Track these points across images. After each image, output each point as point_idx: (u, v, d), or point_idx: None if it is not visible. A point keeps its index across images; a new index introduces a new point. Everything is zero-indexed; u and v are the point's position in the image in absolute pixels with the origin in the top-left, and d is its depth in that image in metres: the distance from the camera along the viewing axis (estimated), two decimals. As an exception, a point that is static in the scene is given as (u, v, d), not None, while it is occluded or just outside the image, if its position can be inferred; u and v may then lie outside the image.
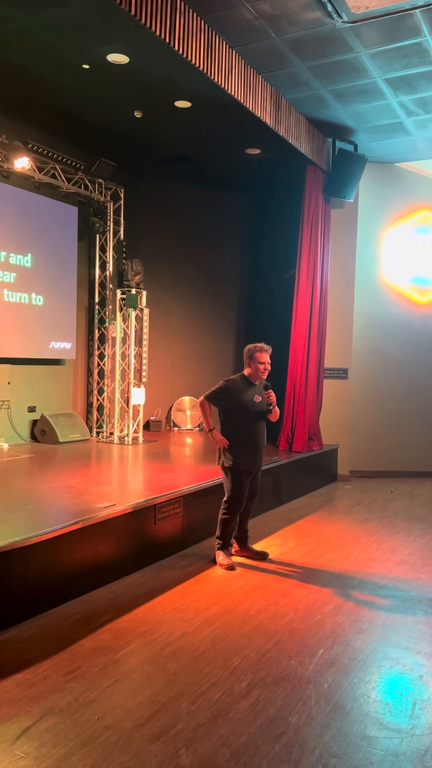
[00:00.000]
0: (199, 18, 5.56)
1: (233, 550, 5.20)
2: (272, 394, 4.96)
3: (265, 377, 5.00)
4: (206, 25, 5.66)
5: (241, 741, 2.69)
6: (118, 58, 6.02)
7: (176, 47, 5.35)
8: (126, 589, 4.42)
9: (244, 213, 10.44)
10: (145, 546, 4.95)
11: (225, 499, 5.03)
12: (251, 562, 5.11)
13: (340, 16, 5.47)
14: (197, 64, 5.61)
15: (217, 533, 5.08)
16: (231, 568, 4.89)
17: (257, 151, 8.43)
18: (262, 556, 5.20)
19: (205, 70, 5.73)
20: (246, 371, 5.01)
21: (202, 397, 5.01)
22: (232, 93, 6.14)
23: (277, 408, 5.02)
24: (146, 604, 4.16)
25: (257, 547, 5.40)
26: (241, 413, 4.93)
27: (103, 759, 2.55)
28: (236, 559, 5.13)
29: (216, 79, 5.87)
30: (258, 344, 5.00)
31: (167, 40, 5.25)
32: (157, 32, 5.13)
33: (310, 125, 7.84)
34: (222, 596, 4.35)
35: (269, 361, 4.98)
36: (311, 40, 5.87)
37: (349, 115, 7.54)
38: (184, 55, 5.45)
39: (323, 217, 8.48)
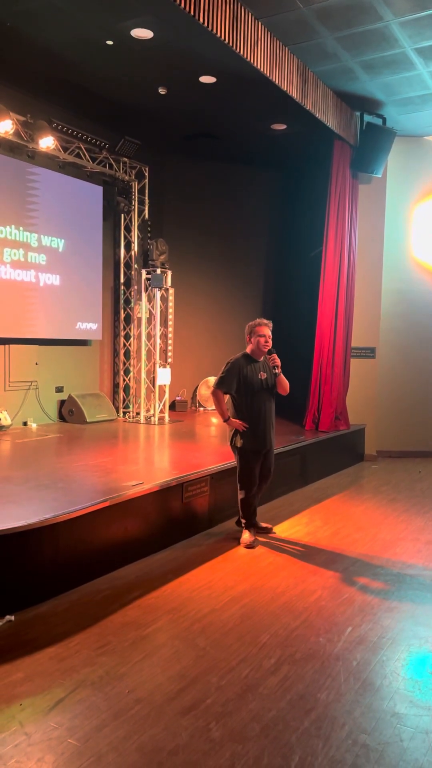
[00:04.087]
0: (224, -11, 5.45)
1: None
2: (276, 357, 4.87)
3: (266, 349, 4.90)
4: (231, -3, 5.55)
5: (271, 716, 2.71)
6: (142, 33, 5.94)
7: (201, 20, 5.25)
8: (154, 566, 4.46)
9: (269, 190, 10.31)
10: (173, 524, 4.98)
11: (238, 479, 5.04)
12: (277, 542, 5.11)
13: (369, -17, 5.31)
14: (222, 37, 5.50)
15: (240, 514, 5.13)
16: (250, 546, 4.91)
17: (283, 127, 8.29)
18: (265, 530, 5.25)
19: (231, 44, 5.62)
20: (248, 348, 4.99)
21: (213, 387, 5.00)
22: (258, 66, 6.02)
23: (284, 377, 4.93)
24: (174, 581, 4.20)
25: (284, 525, 5.41)
26: (246, 391, 4.90)
27: (134, 731, 2.59)
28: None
29: (241, 53, 5.76)
30: (257, 320, 4.99)
31: (192, 13, 5.15)
32: (182, 5, 5.04)
33: (337, 99, 7.67)
34: (249, 574, 4.37)
35: (270, 335, 4.94)
36: (340, 9, 5.71)
37: (378, 87, 7.36)
38: (209, 28, 5.35)
39: (351, 192, 8.33)
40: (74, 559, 4.05)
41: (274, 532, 5.30)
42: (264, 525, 5.32)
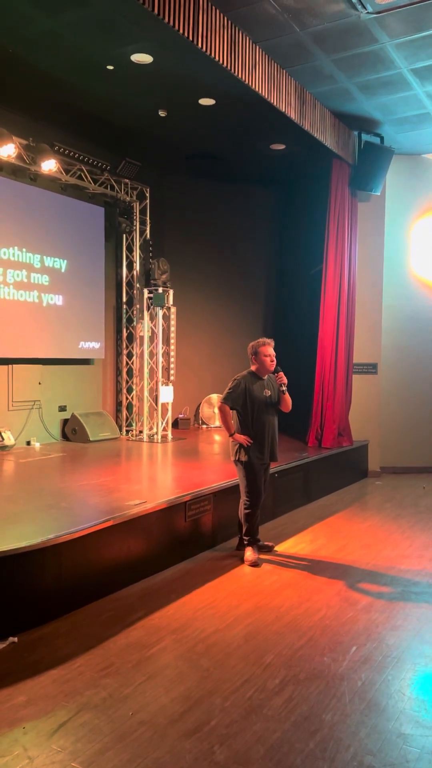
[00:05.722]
0: (222, 14, 5.55)
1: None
2: (283, 375, 5.03)
3: (273, 369, 5.06)
4: (229, 22, 5.65)
5: (275, 738, 2.69)
6: (141, 57, 6.05)
7: (200, 45, 5.34)
8: (158, 586, 4.45)
9: (269, 209, 10.40)
10: (176, 543, 4.97)
11: (244, 494, 5.05)
12: (281, 560, 5.09)
13: (364, 7, 5.40)
14: (221, 61, 5.59)
15: (243, 530, 5.11)
16: (255, 564, 4.90)
17: (282, 147, 8.39)
18: (266, 547, 5.23)
19: (229, 67, 5.71)
20: (253, 367, 5.09)
21: (220, 402, 5.08)
22: (257, 89, 6.11)
23: (288, 395, 5.07)
24: (178, 601, 4.18)
25: (288, 543, 5.39)
26: (253, 408, 4.98)
27: (138, 754, 2.57)
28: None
29: (240, 76, 5.85)
30: (260, 339, 5.11)
31: (190, 38, 5.24)
32: (181, 30, 5.13)
33: (335, 119, 7.77)
34: (253, 593, 4.35)
35: (274, 354, 5.08)
36: (335, 32, 5.81)
37: (375, 107, 7.45)
38: (208, 53, 5.44)
39: (350, 210, 8.40)
40: (77, 579, 4.04)
41: (276, 551, 5.28)
42: (266, 543, 5.30)
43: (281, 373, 5.03)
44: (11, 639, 3.52)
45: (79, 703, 2.95)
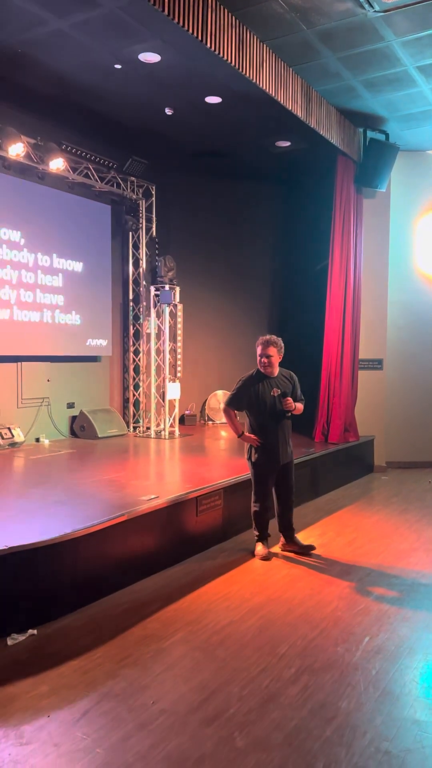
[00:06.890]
0: (230, 14, 5.59)
1: (280, 545, 5.23)
2: (288, 400, 4.89)
3: (269, 370, 4.92)
4: (237, 21, 5.69)
5: (293, 725, 2.76)
6: (149, 57, 6.09)
7: (208, 44, 5.38)
8: (171, 580, 4.52)
9: (275, 205, 10.44)
10: (188, 538, 5.04)
11: (252, 492, 5.10)
12: (291, 554, 5.14)
13: (371, 5, 5.44)
14: (228, 60, 5.64)
15: (253, 527, 5.17)
16: (265, 558, 4.95)
17: (287, 144, 8.43)
18: (308, 549, 5.15)
19: (236, 66, 5.76)
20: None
21: (224, 405, 5.08)
22: (263, 87, 6.16)
23: (299, 404, 4.99)
24: (192, 594, 4.25)
25: (297, 537, 5.43)
26: (258, 407, 4.93)
27: (160, 741, 2.64)
28: (283, 552, 5.16)
29: (247, 74, 5.90)
30: (261, 337, 4.99)
31: (199, 37, 5.29)
32: (189, 30, 5.18)
33: (340, 116, 7.81)
34: (265, 586, 4.42)
35: (272, 354, 4.91)
36: (342, 31, 5.85)
37: (380, 104, 7.49)
38: (216, 51, 5.49)
39: (355, 207, 8.44)
40: (93, 573, 4.11)
41: (314, 548, 5.16)
42: (304, 543, 5.18)
43: (288, 399, 4.88)
44: (31, 631, 3.59)
45: (100, 692, 3.02)
